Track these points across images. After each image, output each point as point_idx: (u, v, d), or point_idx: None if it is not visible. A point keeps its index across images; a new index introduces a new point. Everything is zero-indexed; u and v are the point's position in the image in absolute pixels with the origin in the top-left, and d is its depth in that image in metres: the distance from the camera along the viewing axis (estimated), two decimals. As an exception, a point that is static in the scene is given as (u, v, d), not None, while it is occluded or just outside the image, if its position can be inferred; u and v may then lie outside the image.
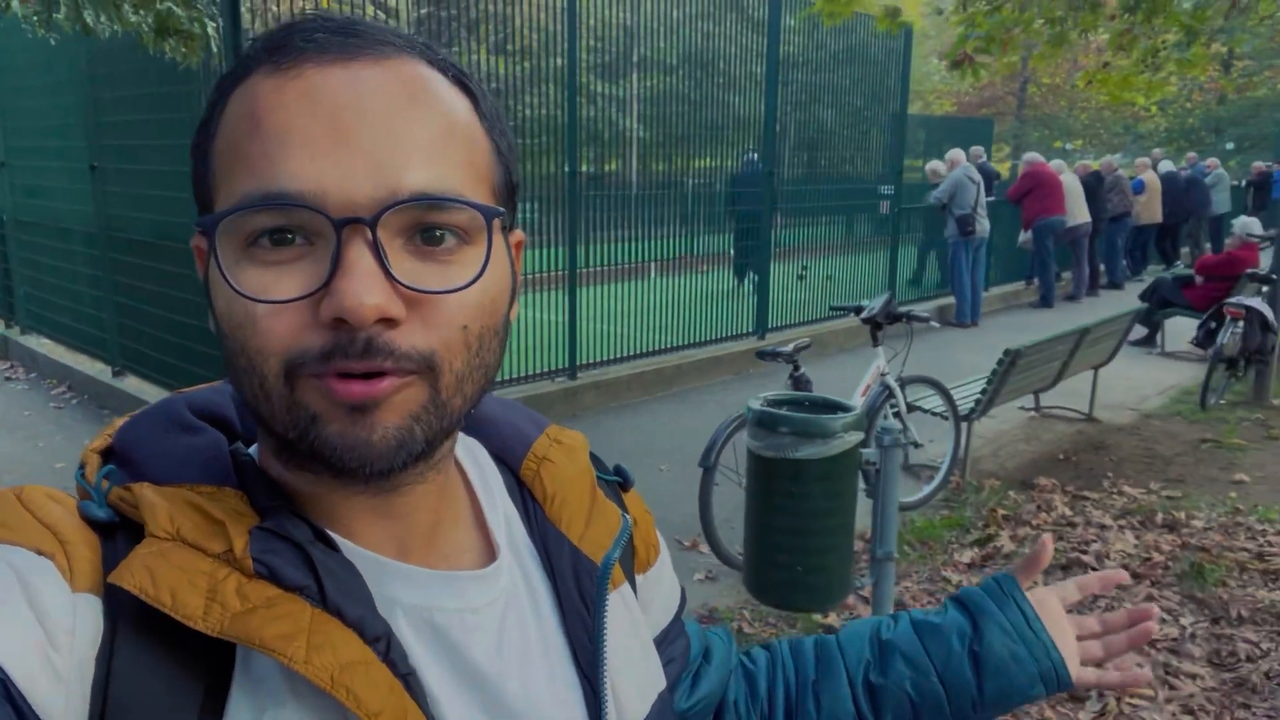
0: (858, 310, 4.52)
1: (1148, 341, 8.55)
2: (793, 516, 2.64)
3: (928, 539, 4.11)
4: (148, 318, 5.62)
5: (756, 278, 8.40)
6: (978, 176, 9.63)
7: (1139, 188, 12.70)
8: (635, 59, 8.53)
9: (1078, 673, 0.81)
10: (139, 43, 3.62)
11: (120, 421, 0.57)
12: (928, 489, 4.75)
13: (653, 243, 7.70)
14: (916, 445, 4.65)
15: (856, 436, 2.60)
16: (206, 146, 0.52)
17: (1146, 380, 7.33)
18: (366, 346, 0.47)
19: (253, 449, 0.57)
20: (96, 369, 6.34)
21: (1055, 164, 11.38)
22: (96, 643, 0.46)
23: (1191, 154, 17.86)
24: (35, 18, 3.62)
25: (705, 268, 8.43)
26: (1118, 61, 6.71)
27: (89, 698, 0.45)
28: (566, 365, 6.45)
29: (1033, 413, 6.29)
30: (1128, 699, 2.81)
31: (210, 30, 3.37)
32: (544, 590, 0.62)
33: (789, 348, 4.12)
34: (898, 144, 9.86)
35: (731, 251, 8.90)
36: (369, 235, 0.47)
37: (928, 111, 28.86)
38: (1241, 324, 6.29)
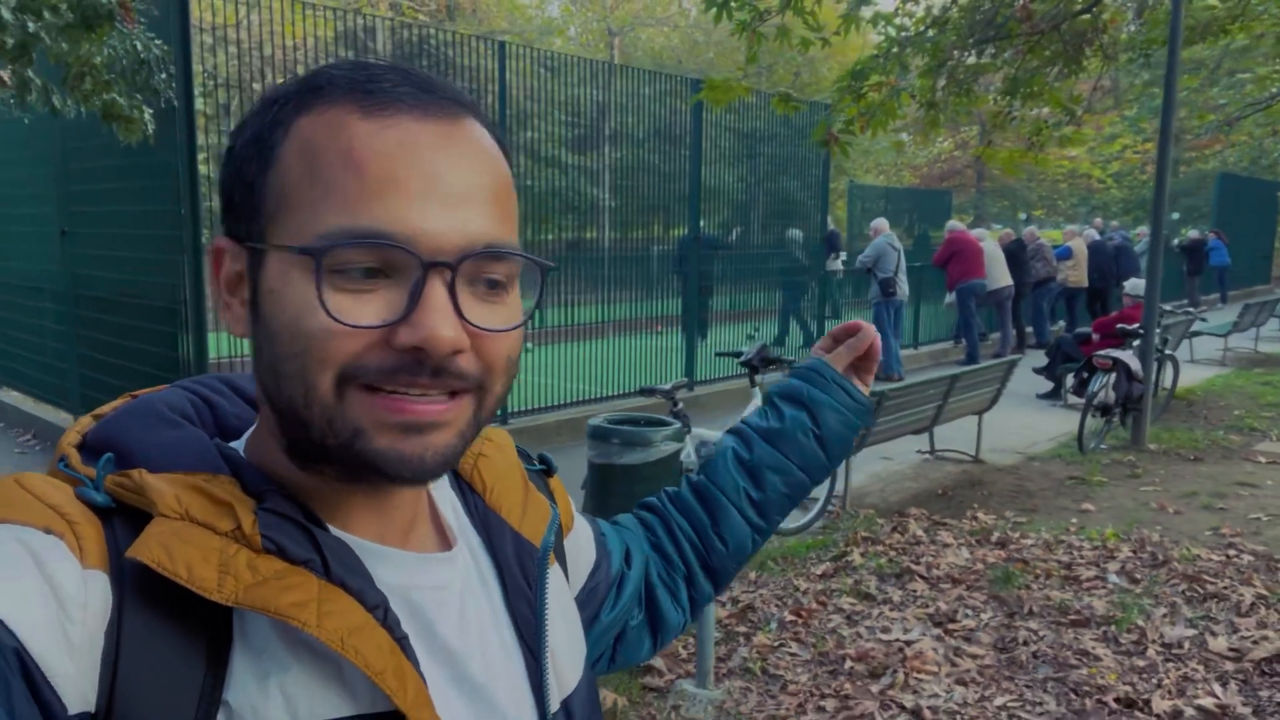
0: (737, 355, 5.10)
1: (1053, 395, 9.18)
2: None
3: (790, 556, 4.61)
4: (106, 367, 6.13)
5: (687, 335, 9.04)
6: (899, 244, 10.36)
7: (1065, 254, 13.48)
8: (607, 133, 9.32)
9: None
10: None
11: (87, 419, 0.61)
12: (806, 518, 5.27)
13: (611, 305, 8.42)
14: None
15: (673, 446, 3.13)
16: (264, 160, 0.55)
17: (1042, 428, 7.90)
18: (437, 370, 0.53)
19: (235, 443, 0.62)
20: (60, 417, 6.83)
21: (977, 232, 12.17)
22: (106, 617, 0.49)
23: (1115, 222, 18.80)
24: (11, 100, 4.22)
25: (659, 328, 9.10)
26: (998, 139, 7.45)
27: (99, 669, 0.48)
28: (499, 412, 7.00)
29: (927, 455, 6.84)
30: (914, 674, 3.31)
31: (148, 115, 3.97)
32: (490, 571, 0.69)
33: (667, 386, 4.69)
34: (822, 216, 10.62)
35: (679, 312, 9.53)
36: (448, 277, 0.53)
37: (893, 183, 30.06)
38: (1112, 375, 6.90)
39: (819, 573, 4.37)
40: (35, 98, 4.04)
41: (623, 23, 26.04)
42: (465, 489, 0.73)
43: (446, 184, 0.53)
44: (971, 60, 6.50)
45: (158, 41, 4.15)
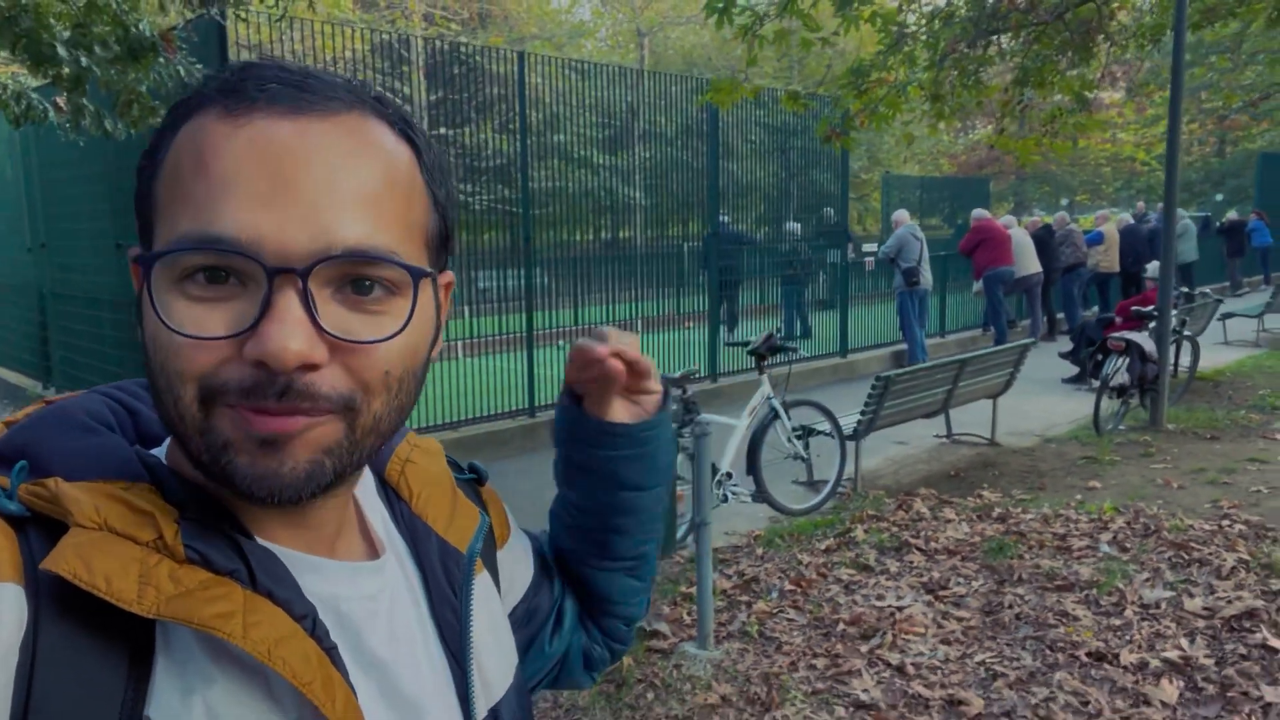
0: (744, 344, 5.35)
1: (1078, 379, 9.25)
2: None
3: (798, 534, 4.84)
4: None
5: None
6: (921, 234, 10.49)
7: (1097, 239, 13.45)
8: (638, 134, 9.65)
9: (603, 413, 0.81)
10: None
11: None
12: (817, 499, 5.49)
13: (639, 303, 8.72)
14: (803, 459, 5.43)
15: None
16: (152, 170, 0.54)
17: (1062, 411, 8.01)
18: (285, 389, 0.50)
19: (157, 450, 0.60)
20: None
21: (1005, 219, 12.22)
22: (21, 631, 0.47)
23: (1140, 203, 18.63)
24: (67, 124, 4.61)
25: (689, 324, 9.39)
26: (1010, 127, 7.58)
27: (13, 684, 0.46)
28: (526, 406, 7.33)
29: (943, 439, 7.01)
30: (902, 635, 3.54)
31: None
32: (416, 579, 0.68)
33: (677, 374, 4.94)
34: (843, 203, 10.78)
35: (705, 308, 9.80)
36: (299, 285, 0.50)
37: (931, 173, 29.95)
38: (1125, 358, 7.00)
39: (823, 548, 4.60)
40: (89, 122, 4.43)
41: (652, 23, 26.30)
42: (392, 497, 0.72)
43: (300, 184, 0.51)
44: (978, 52, 6.64)
45: (198, 66, 4.52)
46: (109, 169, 6.95)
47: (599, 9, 27.29)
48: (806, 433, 5.58)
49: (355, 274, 0.53)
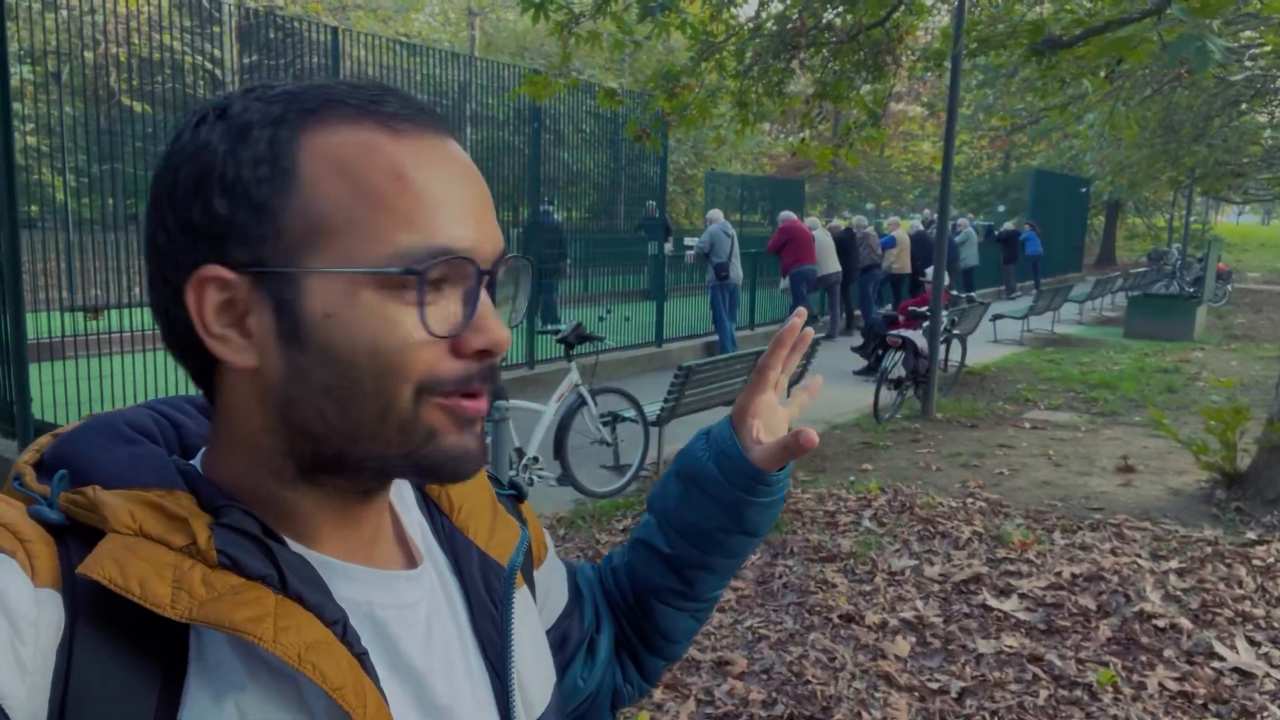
0: (556, 333, 5.55)
1: (868, 371, 10.07)
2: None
3: (599, 515, 5.10)
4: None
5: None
6: (732, 231, 11.06)
7: (890, 243, 14.59)
8: (468, 113, 9.55)
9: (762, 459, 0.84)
10: None
11: (46, 438, 0.59)
12: (621, 481, 5.78)
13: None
14: (607, 444, 5.71)
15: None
16: (282, 179, 0.54)
17: (850, 401, 8.71)
18: (490, 370, 0.57)
19: (193, 460, 0.61)
20: None
21: (809, 221, 13.06)
22: (58, 636, 0.48)
23: (928, 210, 20.41)
24: None
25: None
26: (811, 137, 8.16)
27: (50, 689, 0.47)
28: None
29: (742, 426, 7.48)
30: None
31: None
32: (456, 592, 0.68)
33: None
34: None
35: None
36: (488, 283, 0.57)
37: (755, 172, 31.26)
38: (901, 353, 7.74)
39: (621, 528, 4.88)
40: None
41: (484, 3, 25.96)
42: (433, 509, 0.72)
43: (475, 196, 0.57)
44: (781, 65, 7.11)
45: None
46: None
47: (427, -17, 26.66)
48: (614, 419, 5.85)
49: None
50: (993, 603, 3.73)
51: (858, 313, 13.98)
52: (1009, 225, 20.51)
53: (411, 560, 0.66)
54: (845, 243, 13.30)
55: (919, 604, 3.76)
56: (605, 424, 5.74)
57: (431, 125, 0.57)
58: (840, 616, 3.67)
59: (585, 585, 0.90)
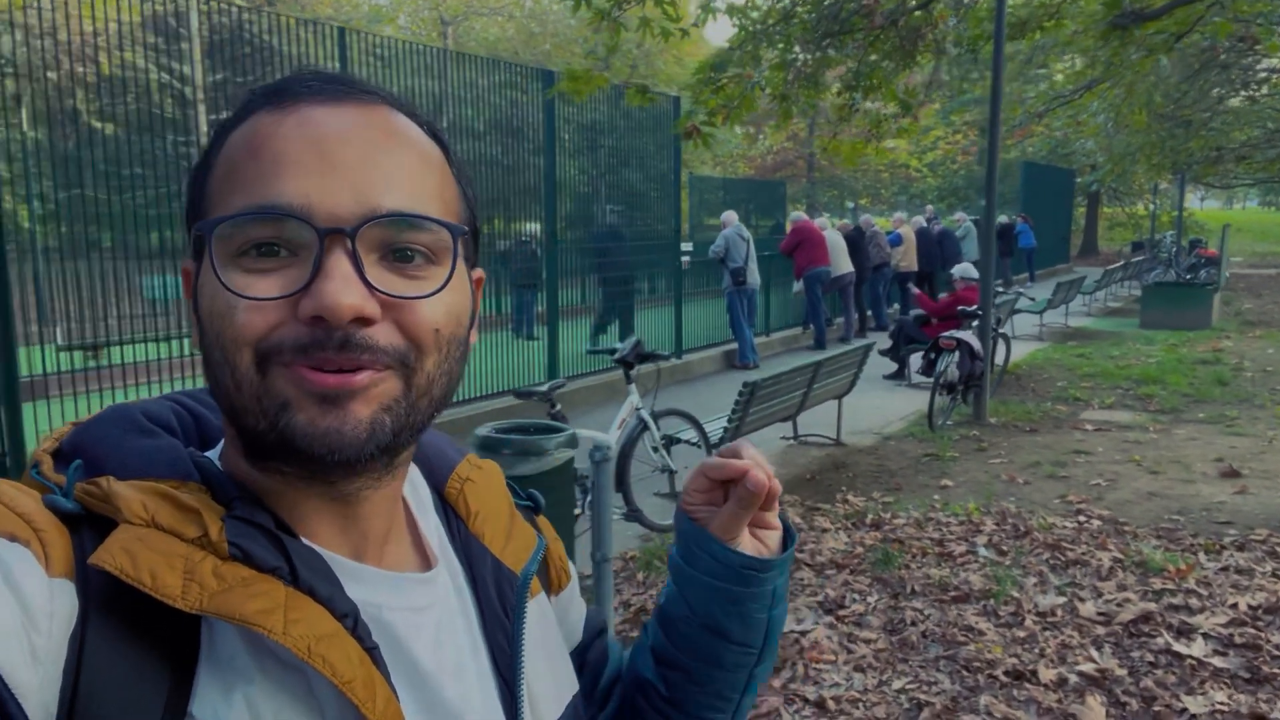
0: (611, 352, 5.01)
1: (897, 375, 9.62)
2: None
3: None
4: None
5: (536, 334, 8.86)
6: (747, 234, 10.57)
7: (896, 241, 14.19)
8: (444, 125, 8.93)
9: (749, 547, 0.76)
10: None
11: (65, 427, 0.60)
12: (684, 512, 5.24)
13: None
14: (672, 471, 5.16)
15: (567, 453, 3.00)
16: (203, 180, 0.57)
17: (892, 408, 8.26)
18: (344, 342, 0.52)
19: (210, 453, 0.61)
20: None
21: (820, 221, 12.60)
22: (70, 626, 0.48)
23: (929, 208, 20.17)
24: None
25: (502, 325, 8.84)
26: (842, 131, 7.70)
27: (61, 679, 0.47)
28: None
29: (791, 441, 6.99)
30: (813, 664, 3.33)
31: None
32: (469, 599, 0.67)
33: (544, 387, 4.53)
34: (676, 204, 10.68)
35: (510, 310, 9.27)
36: (348, 245, 0.52)
37: (730, 174, 30.90)
38: (956, 355, 7.28)
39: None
40: None
41: (456, 12, 25.39)
42: (450, 515, 0.71)
43: (345, 157, 0.53)
44: (817, 55, 6.65)
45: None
46: None
47: (398, -7, 26.03)
48: (669, 442, 5.32)
49: (398, 242, 0.54)
50: (1180, 648, 3.24)
51: (869, 314, 13.55)
52: (1003, 218, 20.22)
53: (427, 563, 0.66)
54: (855, 242, 12.87)
55: (1093, 653, 3.26)
56: (664, 448, 5.20)
57: (327, 95, 0.56)
58: (1005, 673, 3.16)
59: (614, 650, 0.86)
